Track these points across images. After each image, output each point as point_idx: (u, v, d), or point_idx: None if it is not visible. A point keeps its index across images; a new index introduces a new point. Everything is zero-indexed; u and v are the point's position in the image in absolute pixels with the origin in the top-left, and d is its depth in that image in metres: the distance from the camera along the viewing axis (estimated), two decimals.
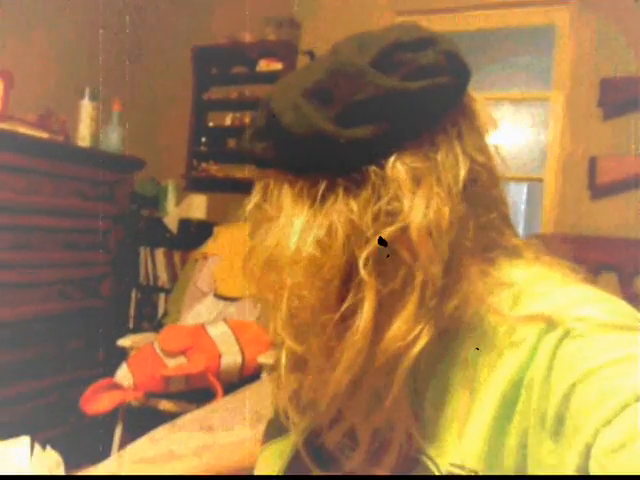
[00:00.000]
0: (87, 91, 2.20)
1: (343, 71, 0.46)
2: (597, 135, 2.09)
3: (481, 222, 0.48)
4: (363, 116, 0.45)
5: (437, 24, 2.51)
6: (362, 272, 0.44)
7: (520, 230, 3.79)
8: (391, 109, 0.45)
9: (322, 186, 0.46)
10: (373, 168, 0.45)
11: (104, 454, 1.61)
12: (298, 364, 0.50)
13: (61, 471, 0.84)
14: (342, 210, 0.45)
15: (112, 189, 2.29)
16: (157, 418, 1.78)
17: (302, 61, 2.60)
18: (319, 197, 0.46)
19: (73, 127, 2.22)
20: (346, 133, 0.45)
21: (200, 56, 2.83)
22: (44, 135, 2.02)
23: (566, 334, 0.42)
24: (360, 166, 0.45)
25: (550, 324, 0.43)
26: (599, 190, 2.08)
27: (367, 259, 0.44)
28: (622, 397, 0.37)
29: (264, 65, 2.63)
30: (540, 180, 2.36)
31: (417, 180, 0.45)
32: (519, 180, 2.70)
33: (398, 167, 0.45)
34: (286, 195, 0.48)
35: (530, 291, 0.48)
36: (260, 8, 2.67)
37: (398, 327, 0.44)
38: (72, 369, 2.18)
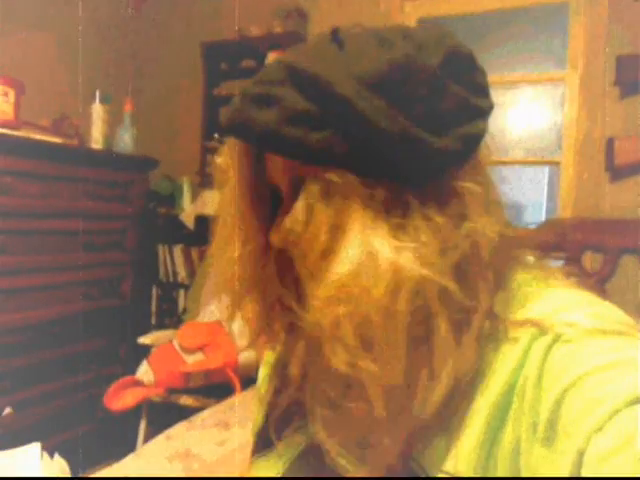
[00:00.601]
0: (97, 94, 2.22)
1: (413, 70, 0.43)
2: (614, 115, 2.02)
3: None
4: (447, 127, 0.43)
5: (448, 7, 2.45)
6: (455, 292, 0.42)
7: (542, 214, 3.72)
8: (466, 123, 0.44)
9: (407, 196, 0.43)
10: (456, 183, 0.44)
11: (129, 449, 1.66)
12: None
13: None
14: (430, 226, 0.42)
15: (127, 189, 2.33)
16: (179, 413, 1.82)
17: None
18: (401, 209, 0.43)
19: (86, 130, 2.25)
20: (440, 143, 0.42)
21: (210, 52, 2.84)
22: (57, 140, 2.06)
23: (556, 339, 0.42)
24: (439, 179, 0.44)
25: (540, 329, 0.43)
26: (618, 172, 2.02)
27: (452, 281, 0.42)
28: (613, 402, 0.36)
29: (273, 58, 2.62)
30: (557, 163, 2.30)
31: (483, 197, 0.45)
32: (536, 164, 2.64)
33: (471, 184, 0.44)
34: (355, 203, 0.42)
35: (521, 295, 0.47)
36: (267, 0, 2.65)
37: (465, 352, 0.44)
38: (95, 367, 2.23)
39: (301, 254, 0.45)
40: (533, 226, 2.14)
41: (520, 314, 0.45)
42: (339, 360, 0.43)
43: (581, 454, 0.37)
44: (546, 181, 3.71)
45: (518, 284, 0.48)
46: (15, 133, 1.87)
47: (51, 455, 0.93)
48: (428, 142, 0.42)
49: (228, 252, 0.52)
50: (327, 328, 0.42)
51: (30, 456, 0.87)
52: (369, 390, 0.43)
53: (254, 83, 0.45)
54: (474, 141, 0.45)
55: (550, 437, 0.39)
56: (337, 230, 0.43)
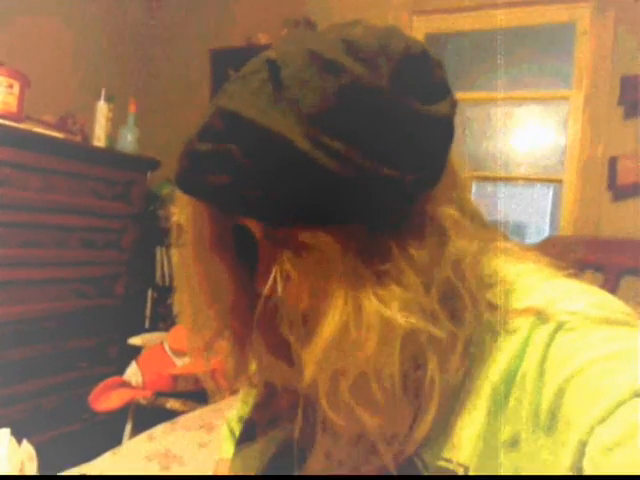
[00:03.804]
0: (103, 92, 2.24)
1: (364, 94, 0.39)
2: (618, 134, 2.01)
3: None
4: (412, 154, 0.40)
5: (456, 23, 2.47)
6: (443, 328, 0.41)
7: (545, 233, 3.70)
8: (431, 141, 0.42)
9: (384, 239, 0.40)
10: (431, 208, 0.42)
11: None
12: None
13: (34, 465, 0.85)
14: (413, 266, 0.41)
15: (127, 189, 2.33)
16: (166, 417, 1.79)
17: None
18: (380, 254, 0.40)
19: (89, 128, 2.26)
20: (408, 175, 0.39)
21: (217, 58, 2.85)
22: (60, 135, 2.06)
23: (558, 328, 0.41)
24: (412, 212, 0.42)
25: (541, 317, 0.42)
26: (620, 191, 2.00)
27: (440, 312, 0.42)
28: (617, 394, 0.36)
29: None
30: (559, 181, 2.29)
31: (460, 214, 0.44)
32: (536, 181, 2.63)
33: (446, 206, 0.43)
34: (332, 260, 0.40)
35: (520, 285, 0.47)
36: (276, 9, 2.68)
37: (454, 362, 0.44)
38: (85, 366, 2.21)
39: (285, 319, 0.44)
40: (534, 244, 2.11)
41: (521, 304, 0.45)
42: (339, 417, 0.42)
43: (583, 445, 0.36)
44: (550, 201, 3.70)
45: (516, 275, 0.48)
46: (17, 125, 1.88)
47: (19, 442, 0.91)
48: (395, 178, 0.39)
49: (204, 309, 0.50)
50: (323, 386, 0.42)
51: None
52: (373, 438, 0.44)
53: (200, 137, 0.42)
54: (442, 160, 0.43)
55: (552, 426, 0.39)
56: (318, 291, 0.41)
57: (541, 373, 0.40)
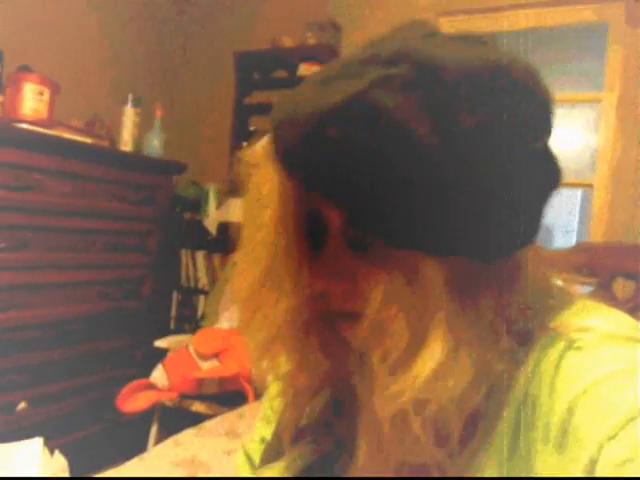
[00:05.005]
0: (130, 97, 2.26)
1: (505, 128, 0.39)
2: None
3: None
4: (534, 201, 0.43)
5: (481, 25, 2.43)
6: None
7: (573, 239, 3.64)
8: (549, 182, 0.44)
9: (477, 275, 0.40)
10: (523, 261, 0.43)
11: (140, 452, 1.65)
12: None
13: (67, 476, 0.86)
14: (499, 308, 0.41)
15: (153, 192, 2.35)
16: (191, 419, 1.80)
17: None
18: (473, 291, 0.40)
19: (116, 132, 2.29)
20: (525, 224, 0.41)
21: (242, 61, 2.86)
22: (88, 140, 2.09)
23: (569, 346, 0.41)
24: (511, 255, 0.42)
25: (552, 336, 0.42)
26: None
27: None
28: (627, 410, 0.36)
29: (305, 69, 2.63)
30: (590, 186, 2.24)
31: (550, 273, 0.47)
32: (568, 186, 2.57)
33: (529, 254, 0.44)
34: (436, 290, 0.39)
35: (533, 304, 0.46)
36: (301, 12, 2.67)
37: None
38: (111, 368, 2.24)
39: (378, 347, 0.41)
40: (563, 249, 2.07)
41: (535, 322, 0.45)
42: (406, 450, 0.42)
43: (594, 462, 0.36)
44: (578, 205, 3.63)
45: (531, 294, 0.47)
46: (47, 131, 1.91)
47: (52, 452, 0.92)
48: (513, 221, 0.39)
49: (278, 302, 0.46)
50: (394, 417, 0.40)
51: (31, 451, 0.85)
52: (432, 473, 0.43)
53: (329, 119, 0.37)
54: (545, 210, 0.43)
55: (563, 443, 0.39)
56: (419, 323, 0.40)
57: (551, 392, 0.40)
